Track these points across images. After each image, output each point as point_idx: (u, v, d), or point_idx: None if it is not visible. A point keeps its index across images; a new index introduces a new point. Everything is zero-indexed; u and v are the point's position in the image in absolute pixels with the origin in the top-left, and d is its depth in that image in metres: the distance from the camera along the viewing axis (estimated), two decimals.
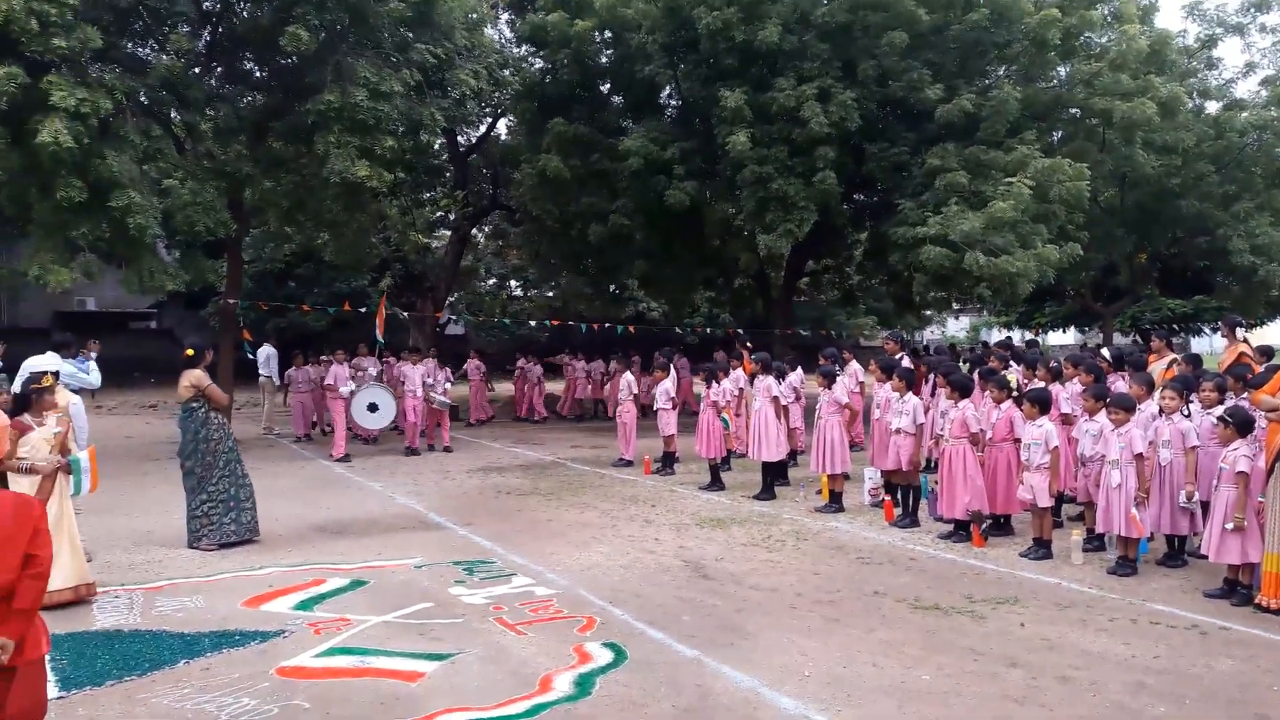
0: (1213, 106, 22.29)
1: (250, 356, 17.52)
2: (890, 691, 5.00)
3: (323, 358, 17.27)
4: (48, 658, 5.28)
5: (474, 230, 26.90)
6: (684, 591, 6.90)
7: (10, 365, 8.99)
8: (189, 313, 31.71)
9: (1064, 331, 35.54)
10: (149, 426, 18.51)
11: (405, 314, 22.46)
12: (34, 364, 7.96)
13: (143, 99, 13.47)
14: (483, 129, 23.37)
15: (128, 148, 12.45)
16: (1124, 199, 21.57)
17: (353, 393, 14.32)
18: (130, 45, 14.16)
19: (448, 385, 16.07)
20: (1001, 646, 5.68)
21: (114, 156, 12.03)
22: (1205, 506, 7.30)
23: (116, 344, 24.79)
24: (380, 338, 16.13)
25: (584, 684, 5.09)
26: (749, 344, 14.28)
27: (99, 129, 11.93)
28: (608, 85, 20.26)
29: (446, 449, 15.20)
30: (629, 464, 13.29)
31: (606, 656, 5.52)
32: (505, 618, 6.24)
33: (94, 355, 11.25)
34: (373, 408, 14.46)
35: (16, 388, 6.95)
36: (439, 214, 24.82)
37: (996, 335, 42.21)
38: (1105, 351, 10.56)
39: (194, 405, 8.29)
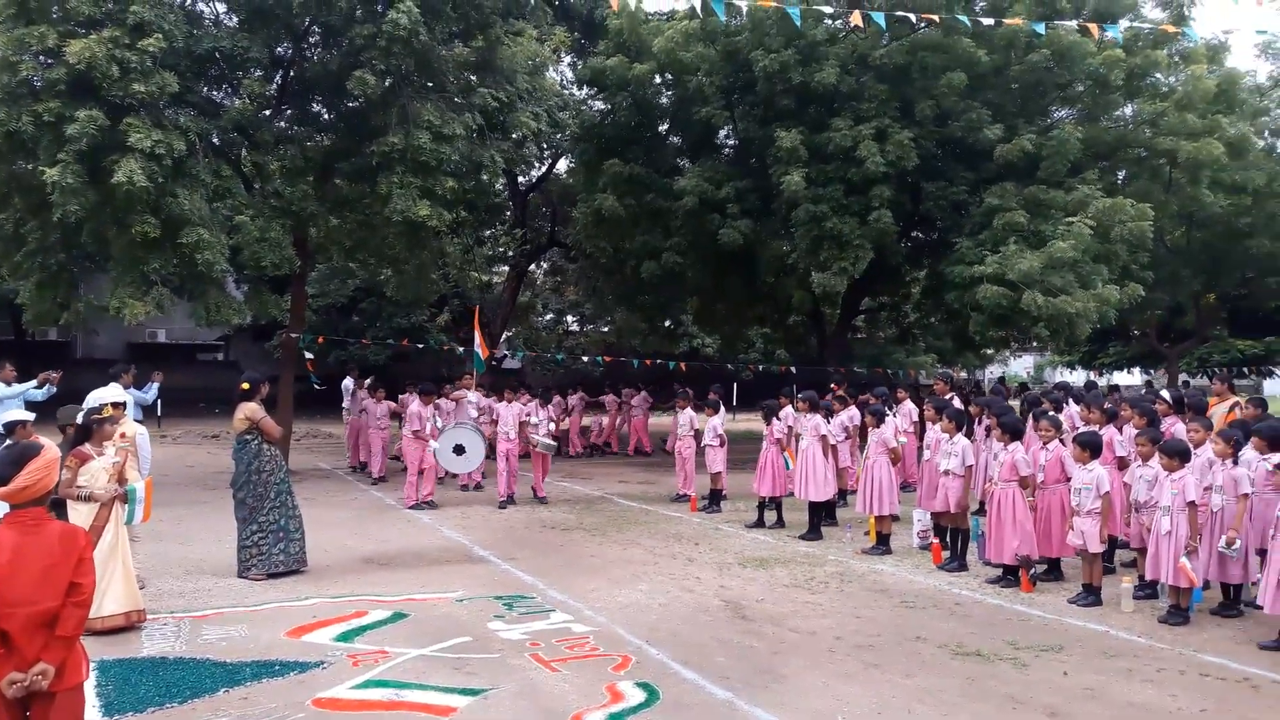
0: None
1: (318, 387, 17.75)
2: None
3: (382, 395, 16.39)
4: (94, 682, 5.49)
5: (532, 266, 27.25)
6: (721, 632, 6.87)
7: (73, 395, 9.32)
8: (256, 345, 32.58)
9: (1129, 372, 34.76)
10: (211, 456, 19.00)
11: (461, 348, 22.78)
12: (97, 396, 8.29)
13: (214, 140, 13.99)
14: (542, 169, 23.74)
15: (199, 186, 12.92)
16: (1191, 239, 21.12)
17: (438, 435, 12.87)
18: (205, 89, 14.71)
19: (551, 426, 14.48)
20: (1042, 695, 5.55)
21: (185, 195, 12.48)
22: (1263, 555, 7.08)
23: (184, 375, 25.58)
24: (483, 359, 15.30)
25: None
26: (834, 384, 14.09)
27: (172, 169, 12.40)
28: (665, 126, 20.47)
29: (541, 500, 13.40)
30: (687, 498, 13.26)
31: (638, 696, 5.51)
32: (541, 654, 6.27)
33: (156, 385, 11.78)
34: (459, 450, 12.61)
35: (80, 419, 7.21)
36: (498, 251, 25.21)
37: (1060, 375, 41.39)
38: (1165, 393, 10.31)
39: (248, 437, 8.51)
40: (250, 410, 8.50)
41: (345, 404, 18.15)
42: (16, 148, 12.44)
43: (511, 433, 13.23)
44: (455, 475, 14.07)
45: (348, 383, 18.31)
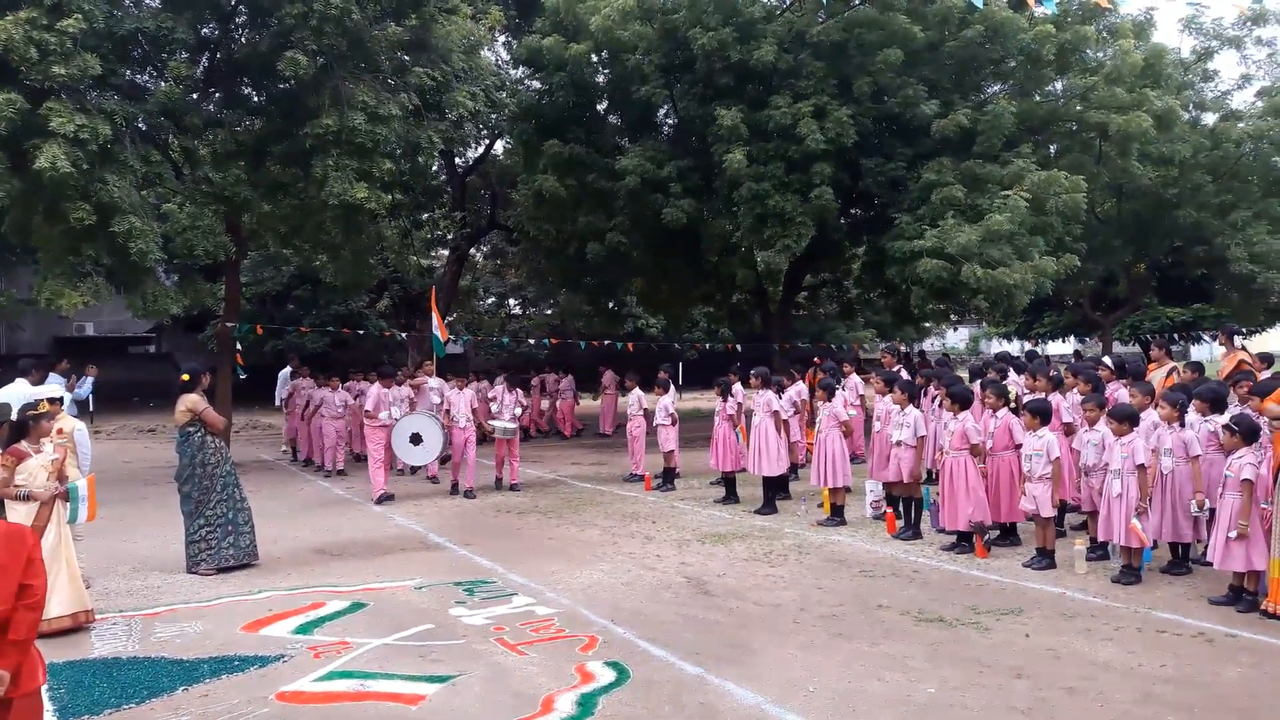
0: (1209, 118, 22.34)
1: (242, 377, 17.31)
2: (895, 705, 4.96)
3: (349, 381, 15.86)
4: (45, 687, 5.27)
5: (472, 250, 26.95)
6: (686, 608, 6.86)
7: None
8: (188, 336, 31.76)
9: (1064, 341, 35.58)
10: (148, 450, 18.49)
11: (404, 335, 22.46)
12: (13, 394, 7.96)
13: (141, 125, 13.52)
14: (480, 150, 23.44)
15: (127, 173, 12.49)
16: (1121, 210, 21.61)
17: (395, 420, 12.49)
18: (129, 72, 14.19)
19: (518, 411, 13.77)
20: (1006, 658, 5.64)
21: (114, 182, 12.07)
22: (1210, 513, 7.28)
23: (115, 368, 24.85)
24: (443, 341, 14.70)
25: (586, 704, 5.05)
26: (816, 359, 14.31)
27: (99, 155, 11.96)
28: (604, 105, 20.30)
29: (514, 487, 12.89)
30: (641, 478, 13.23)
31: (609, 676, 5.47)
32: (506, 638, 6.20)
33: (90, 379, 11.31)
34: (416, 439, 12.27)
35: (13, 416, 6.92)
36: (437, 234, 24.86)
37: (996, 346, 42.28)
38: (1107, 360, 10.55)
39: (190, 430, 8.27)
40: (192, 402, 8.26)
41: (279, 394, 17.55)
42: None
43: (462, 420, 12.51)
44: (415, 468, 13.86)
45: (285, 372, 17.77)
